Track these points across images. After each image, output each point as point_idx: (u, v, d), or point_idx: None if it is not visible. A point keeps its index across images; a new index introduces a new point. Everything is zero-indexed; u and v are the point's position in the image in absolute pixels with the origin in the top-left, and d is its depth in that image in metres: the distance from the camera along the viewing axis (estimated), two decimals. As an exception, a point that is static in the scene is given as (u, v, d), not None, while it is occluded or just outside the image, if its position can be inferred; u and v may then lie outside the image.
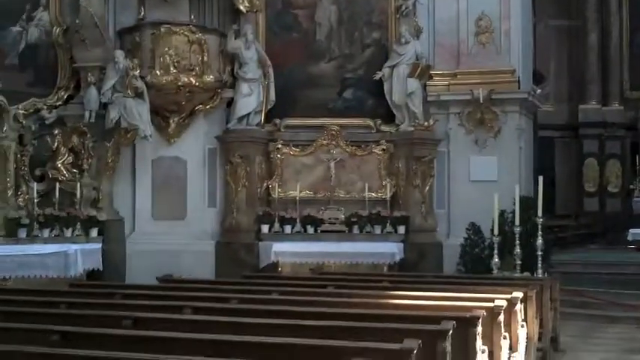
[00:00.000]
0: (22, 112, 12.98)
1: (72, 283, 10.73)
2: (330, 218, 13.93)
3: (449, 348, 5.83)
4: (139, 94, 12.99)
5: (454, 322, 5.99)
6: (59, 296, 8.28)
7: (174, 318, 6.60)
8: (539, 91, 16.18)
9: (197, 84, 13.42)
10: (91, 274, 12.61)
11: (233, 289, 8.82)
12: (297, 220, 13.86)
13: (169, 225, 13.91)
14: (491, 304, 7.19)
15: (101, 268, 12.79)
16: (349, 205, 14.06)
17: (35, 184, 12.65)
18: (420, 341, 5.27)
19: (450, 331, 5.84)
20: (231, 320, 6.37)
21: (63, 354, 5.09)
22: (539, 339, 9.12)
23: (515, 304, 7.81)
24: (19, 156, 12.65)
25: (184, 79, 13.30)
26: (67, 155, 13.12)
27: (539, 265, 11.69)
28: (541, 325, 9.22)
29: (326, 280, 9.87)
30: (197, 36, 13.41)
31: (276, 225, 13.87)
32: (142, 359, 4.80)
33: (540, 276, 11.24)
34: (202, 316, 6.68)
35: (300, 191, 13.97)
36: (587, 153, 20.57)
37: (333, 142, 14.23)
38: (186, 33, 13.36)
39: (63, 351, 5.22)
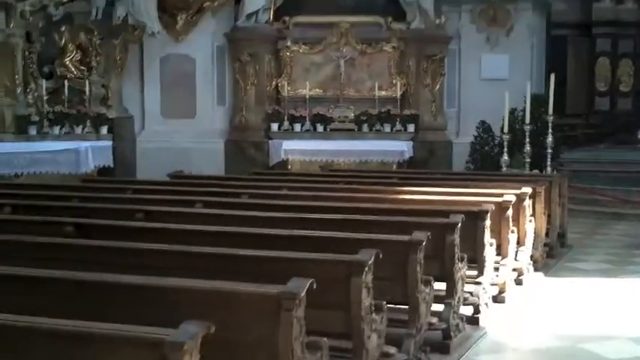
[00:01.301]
0: (29, 8, 12.79)
1: (84, 178, 10.83)
2: (339, 117, 13.91)
3: (457, 241, 5.90)
4: (146, -10, 12.80)
5: (463, 215, 6.05)
6: (72, 191, 8.37)
7: (186, 212, 6.67)
8: (552, -13, 15.86)
9: (204, -21, 13.21)
10: (102, 171, 12.72)
11: (243, 184, 8.89)
12: (307, 119, 13.84)
13: (179, 123, 13.93)
14: (499, 199, 7.24)
15: (112, 165, 12.89)
16: (359, 103, 14.00)
17: (44, 81, 12.62)
18: (429, 233, 5.34)
19: (459, 224, 5.90)
20: (242, 214, 6.44)
21: (77, 244, 5.17)
22: (547, 235, 9.21)
23: (524, 200, 7.86)
24: (26, 53, 12.58)
25: (191, -25, 13.10)
26: (74, 52, 13.04)
27: (549, 163, 11.70)
28: (549, 222, 9.29)
29: (336, 177, 9.94)
30: None
31: (286, 123, 13.86)
32: (154, 249, 4.87)
33: (549, 173, 11.26)
34: (213, 210, 6.75)
35: (310, 89, 13.89)
36: (599, 52, 20.26)
37: (343, 40, 14.06)
38: None
39: (77, 241, 5.30)
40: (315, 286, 3.80)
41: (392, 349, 4.97)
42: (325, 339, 4.01)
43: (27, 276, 4.10)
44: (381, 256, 4.58)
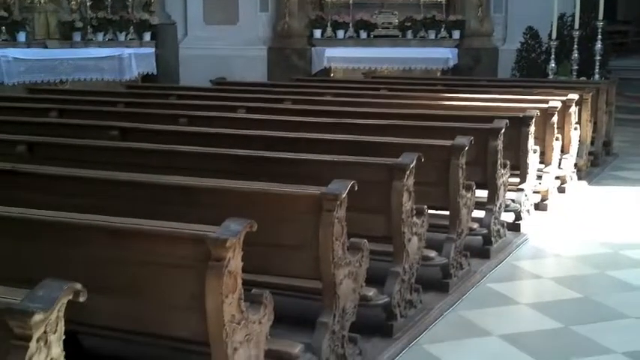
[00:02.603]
0: None
1: (128, 85, 10.90)
2: (383, 23, 13.70)
3: (500, 147, 5.86)
4: None
5: (507, 121, 5.98)
6: (116, 96, 8.44)
7: (229, 117, 6.69)
8: None
9: None
10: (145, 78, 12.75)
11: (286, 91, 8.86)
12: (350, 25, 13.66)
13: (221, 30, 13.82)
14: (545, 105, 7.13)
15: (155, 72, 12.91)
16: (403, 9, 13.76)
17: (87, -15, 12.58)
18: (472, 138, 5.30)
19: (503, 130, 5.85)
20: (285, 119, 6.45)
21: (123, 147, 5.24)
22: (592, 143, 9.10)
23: (570, 106, 7.74)
24: (69, -42, 12.50)
25: None
26: (117, -43, 12.93)
27: (597, 71, 11.47)
28: (594, 130, 9.16)
29: (379, 84, 9.85)
30: None
31: (329, 30, 13.70)
32: (199, 152, 4.93)
33: (597, 80, 11.04)
34: (256, 115, 6.76)
35: (353, -5, 13.68)
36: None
37: (388, -57, 13.75)
38: None
39: (123, 144, 5.37)
40: (356, 188, 3.83)
41: (432, 253, 5.02)
42: (366, 241, 4.05)
43: (82, 177, 4.19)
44: (422, 159, 4.57)
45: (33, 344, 2.19)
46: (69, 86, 11.50)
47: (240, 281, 3.06)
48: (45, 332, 2.23)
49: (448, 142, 5.20)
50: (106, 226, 3.19)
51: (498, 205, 5.98)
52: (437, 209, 5.34)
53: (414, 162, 4.50)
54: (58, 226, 3.24)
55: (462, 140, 5.21)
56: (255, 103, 7.48)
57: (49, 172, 4.30)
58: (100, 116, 6.71)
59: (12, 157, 4.87)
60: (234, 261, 3.02)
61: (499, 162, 5.86)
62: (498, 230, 6.03)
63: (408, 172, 4.46)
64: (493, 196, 5.91)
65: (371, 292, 4.25)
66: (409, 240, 4.56)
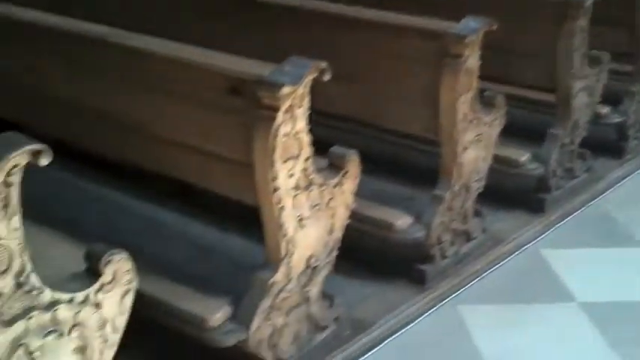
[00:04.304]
0: None
1: None
2: None
3: None
4: None
5: None
6: None
7: None
8: None
9: None
10: None
11: None
12: None
13: None
14: None
15: None
16: None
17: None
18: None
19: None
20: None
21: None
22: None
23: None
24: None
25: None
26: None
27: None
28: None
29: None
30: None
31: None
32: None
33: None
34: None
35: None
36: None
37: None
38: None
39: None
40: (603, -4, 3.60)
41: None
42: (607, 53, 3.84)
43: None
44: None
45: (280, 115, 2.30)
46: None
47: (475, 81, 3.03)
48: (291, 105, 2.32)
49: None
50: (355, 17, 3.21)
51: None
52: None
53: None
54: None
55: None
56: None
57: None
58: None
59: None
60: (472, 59, 2.97)
61: None
62: None
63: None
64: None
65: (605, 109, 4.08)
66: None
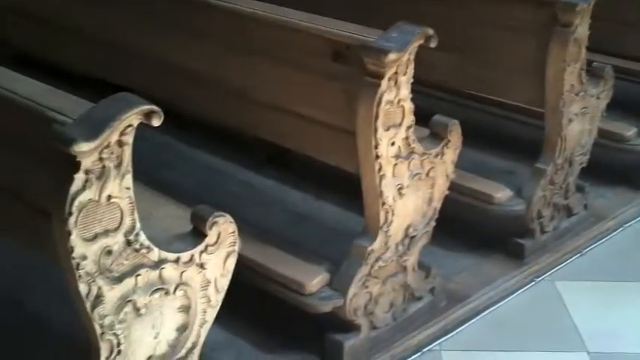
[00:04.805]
0: None
1: None
2: None
3: None
4: None
5: None
6: None
7: None
8: None
9: None
10: None
11: None
12: None
13: None
14: None
15: None
16: None
17: None
18: None
19: None
20: None
21: None
22: None
23: None
24: None
25: None
26: None
27: None
28: None
29: None
30: None
31: None
32: None
33: None
34: None
35: None
36: None
37: None
38: None
39: None
40: None
41: None
42: None
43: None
44: None
45: (384, 82, 2.27)
46: None
47: (584, 51, 2.93)
48: (396, 73, 2.29)
49: None
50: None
51: None
52: None
53: None
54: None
55: None
56: None
57: None
58: None
59: None
60: (581, 28, 2.88)
61: None
62: None
63: None
64: None
65: None
66: None
